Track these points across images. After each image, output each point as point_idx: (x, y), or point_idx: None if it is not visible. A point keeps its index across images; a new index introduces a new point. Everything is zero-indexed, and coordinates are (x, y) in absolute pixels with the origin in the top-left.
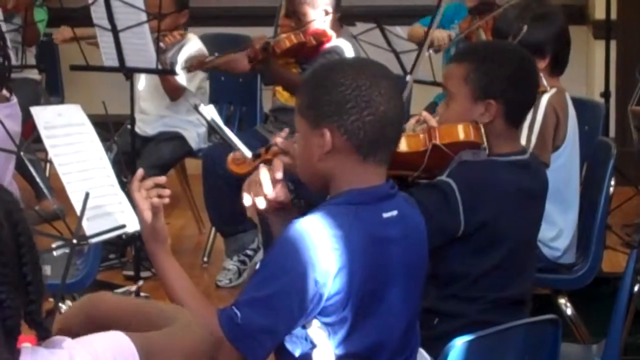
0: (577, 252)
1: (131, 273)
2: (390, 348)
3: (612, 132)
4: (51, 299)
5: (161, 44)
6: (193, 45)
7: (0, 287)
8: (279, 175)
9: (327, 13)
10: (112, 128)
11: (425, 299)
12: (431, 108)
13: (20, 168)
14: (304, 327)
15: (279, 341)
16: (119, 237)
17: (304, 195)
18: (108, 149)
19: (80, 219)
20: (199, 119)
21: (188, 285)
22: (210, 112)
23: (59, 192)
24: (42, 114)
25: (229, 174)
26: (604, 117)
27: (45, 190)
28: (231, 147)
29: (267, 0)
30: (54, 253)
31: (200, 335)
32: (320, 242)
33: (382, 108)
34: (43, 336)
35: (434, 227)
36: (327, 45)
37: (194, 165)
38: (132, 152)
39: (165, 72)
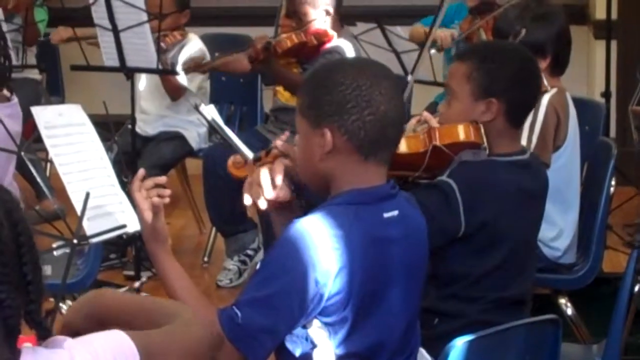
0: (578, 252)
1: (132, 273)
2: (390, 348)
3: (612, 132)
4: (52, 299)
5: (162, 44)
6: (194, 45)
7: (1, 286)
8: (279, 178)
9: (327, 13)
10: (112, 128)
11: (426, 299)
12: (432, 108)
13: (21, 168)
14: (304, 327)
15: (280, 341)
16: (120, 237)
17: (304, 195)
18: (108, 149)
19: (80, 218)
20: (200, 119)
21: (188, 285)
22: (210, 112)
23: (60, 192)
24: (43, 114)
25: (229, 174)
26: (605, 117)
27: (45, 190)
28: (232, 147)
29: (268, 0)
30: (55, 253)
31: (201, 333)
32: (320, 242)
33: (383, 108)
34: (43, 336)
35: (434, 228)
36: (328, 45)
37: (194, 165)
38: (132, 152)
39: (166, 72)
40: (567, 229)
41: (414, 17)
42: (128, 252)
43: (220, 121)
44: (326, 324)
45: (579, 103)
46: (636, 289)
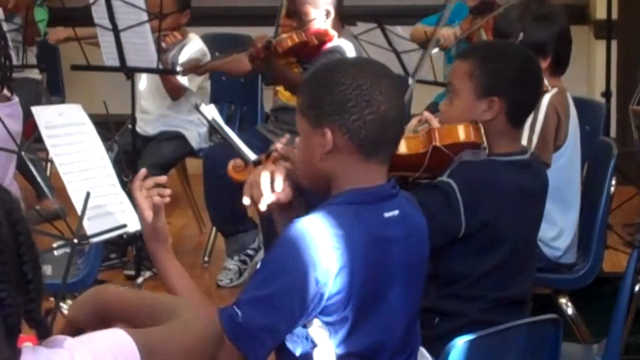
0: (578, 252)
1: (132, 272)
2: (391, 347)
3: (613, 131)
4: (52, 299)
5: (162, 44)
6: (194, 45)
7: (1, 285)
8: (280, 180)
9: (328, 13)
10: (113, 128)
11: (426, 299)
12: (432, 108)
13: (21, 168)
14: (304, 326)
15: (280, 340)
16: (120, 236)
17: (305, 196)
18: (109, 149)
19: (81, 218)
20: (200, 119)
21: (189, 284)
22: (211, 111)
23: (60, 191)
24: (43, 114)
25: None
26: (605, 116)
27: (46, 190)
28: (232, 147)
29: (268, 0)
30: (55, 252)
31: (201, 331)
32: (321, 242)
33: (383, 107)
34: (43, 335)
35: (435, 228)
36: (329, 45)
37: (195, 165)
38: (133, 152)
39: (166, 72)
40: (567, 228)
41: (415, 17)
42: (128, 252)
43: (220, 121)
44: (326, 324)
45: (580, 103)
46: (636, 288)
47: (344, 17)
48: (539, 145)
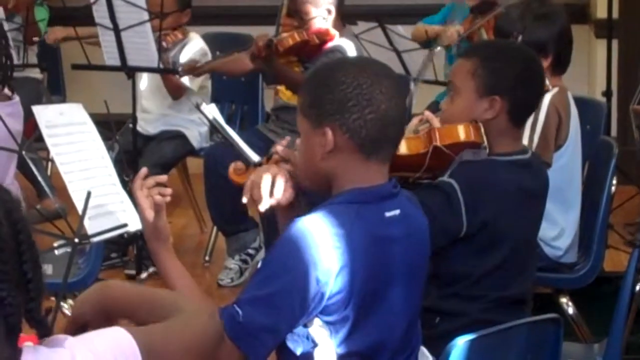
0: (579, 252)
1: (133, 272)
2: (391, 347)
3: (613, 131)
4: (53, 298)
5: (163, 43)
6: (195, 44)
7: (1, 284)
8: (281, 182)
9: (329, 12)
10: (114, 127)
11: (427, 298)
12: (433, 107)
13: (22, 167)
14: (305, 325)
15: (281, 340)
16: (121, 236)
17: (306, 196)
18: (110, 148)
19: (82, 218)
20: (201, 118)
21: (190, 284)
22: (212, 111)
23: (61, 191)
24: (44, 113)
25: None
26: (606, 116)
27: (46, 189)
28: (233, 146)
29: None
30: (56, 252)
31: (202, 327)
32: (322, 241)
33: (384, 106)
34: (43, 334)
35: (436, 228)
36: (330, 45)
37: (195, 165)
38: (133, 151)
39: (167, 71)
40: (568, 228)
41: (416, 16)
42: (129, 251)
43: (221, 120)
44: (327, 323)
45: (580, 102)
46: (637, 288)
47: (345, 17)
48: (540, 144)
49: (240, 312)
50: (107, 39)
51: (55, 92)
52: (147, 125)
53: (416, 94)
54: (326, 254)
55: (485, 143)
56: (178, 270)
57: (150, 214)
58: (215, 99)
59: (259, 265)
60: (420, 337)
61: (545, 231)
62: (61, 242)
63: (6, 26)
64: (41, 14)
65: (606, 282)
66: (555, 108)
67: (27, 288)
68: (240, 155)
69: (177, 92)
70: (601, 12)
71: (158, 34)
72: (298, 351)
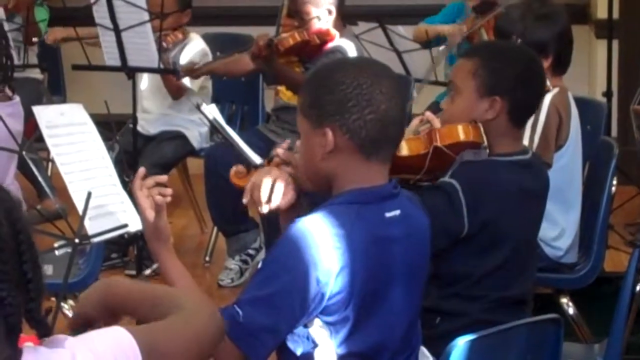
0: (579, 252)
1: (133, 272)
2: (391, 347)
3: (614, 131)
4: (53, 299)
5: (163, 44)
6: (196, 45)
7: (1, 284)
8: (279, 189)
9: (330, 12)
10: (114, 127)
11: (427, 298)
12: (433, 107)
13: (23, 167)
14: (305, 326)
15: (281, 340)
16: (121, 236)
17: (309, 194)
18: (110, 148)
19: (82, 218)
20: (202, 119)
21: (190, 284)
22: (212, 111)
23: (61, 191)
24: (44, 113)
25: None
26: (606, 116)
27: (47, 190)
28: (233, 147)
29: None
30: (56, 252)
31: (203, 325)
32: (322, 241)
33: (384, 106)
34: (43, 334)
35: (438, 229)
36: (330, 45)
37: (196, 165)
38: (134, 152)
39: (167, 72)
40: (568, 228)
41: (416, 16)
42: (130, 252)
43: (221, 120)
44: (327, 323)
45: (581, 102)
46: (638, 288)
47: (346, 17)
48: (541, 145)
49: (240, 312)
50: (107, 39)
51: (56, 92)
52: (148, 125)
53: (419, 94)
54: (326, 255)
55: (486, 143)
56: (178, 271)
57: (150, 214)
58: (215, 99)
59: (260, 265)
60: (421, 338)
61: (546, 231)
62: (61, 242)
63: (6, 26)
64: (41, 14)
65: (606, 282)
66: (555, 108)
67: (27, 288)
68: (240, 156)
69: (177, 93)
70: (601, 13)
71: (158, 34)
72: (298, 351)
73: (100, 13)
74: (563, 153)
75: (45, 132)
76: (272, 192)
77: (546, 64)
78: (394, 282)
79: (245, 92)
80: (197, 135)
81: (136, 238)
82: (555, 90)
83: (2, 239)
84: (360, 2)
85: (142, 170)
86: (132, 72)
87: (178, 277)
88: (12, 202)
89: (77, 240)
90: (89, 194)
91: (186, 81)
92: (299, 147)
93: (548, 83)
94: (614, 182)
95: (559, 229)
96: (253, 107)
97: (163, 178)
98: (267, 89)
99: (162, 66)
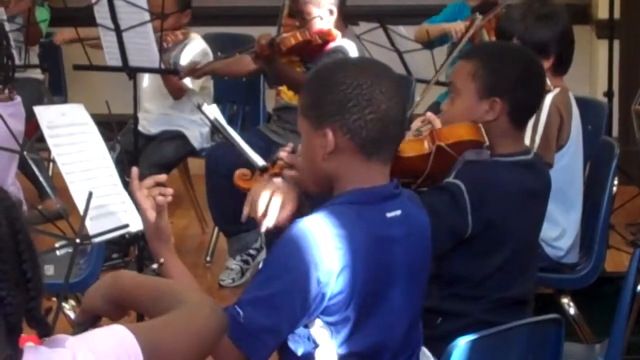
0: (580, 252)
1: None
2: (392, 347)
3: (615, 131)
4: (54, 299)
5: (163, 44)
6: (196, 45)
7: (1, 284)
8: (275, 206)
9: (331, 12)
10: (115, 127)
11: (429, 299)
12: (434, 108)
13: (24, 167)
14: (306, 326)
15: (282, 340)
16: (122, 236)
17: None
18: (111, 149)
19: (83, 218)
20: (203, 119)
21: (191, 284)
22: (213, 111)
23: (62, 191)
24: (46, 114)
25: (232, 173)
26: (607, 116)
27: (48, 190)
28: (234, 146)
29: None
30: (57, 252)
31: (205, 322)
32: (323, 242)
33: (384, 106)
34: (43, 334)
35: (443, 230)
36: (332, 45)
37: (197, 165)
38: (135, 152)
39: (168, 72)
40: (569, 228)
41: (418, 16)
42: (130, 252)
43: (222, 121)
44: (328, 324)
45: (582, 102)
46: (639, 288)
47: (347, 17)
48: (542, 145)
49: (241, 312)
50: (108, 39)
51: (57, 92)
52: (149, 125)
53: (415, 90)
54: (327, 255)
55: (487, 142)
56: (180, 271)
57: (151, 215)
58: (216, 99)
59: (260, 265)
60: (422, 338)
61: (547, 231)
62: (62, 242)
63: (7, 27)
64: (42, 14)
65: (607, 282)
66: (556, 108)
67: (26, 287)
68: (241, 156)
69: (177, 93)
70: (603, 13)
71: (159, 34)
72: (299, 352)
73: (101, 13)
74: (564, 153)
75: (46, 132)
76: (268, 206)
77: (547, 64)
78: (395, 283)
79: (246, 92)
80: (198, 136)
81: (137, 238)
82: (557, 90)
83: (1, 239)
84: (361, 2)
85: (135, 170)
86: (133, 72)
87: (179, 277)
88: (10, 201)
89: (78, 241)
90: (90, 194)
91: (187, 81)
92: (300, 147)
93: (549, 83)
94: (615, 182)
95: (560, 229)
96: (254, 107)
97: (162, 177)
98: (269, 89)
99: (162, 66)
